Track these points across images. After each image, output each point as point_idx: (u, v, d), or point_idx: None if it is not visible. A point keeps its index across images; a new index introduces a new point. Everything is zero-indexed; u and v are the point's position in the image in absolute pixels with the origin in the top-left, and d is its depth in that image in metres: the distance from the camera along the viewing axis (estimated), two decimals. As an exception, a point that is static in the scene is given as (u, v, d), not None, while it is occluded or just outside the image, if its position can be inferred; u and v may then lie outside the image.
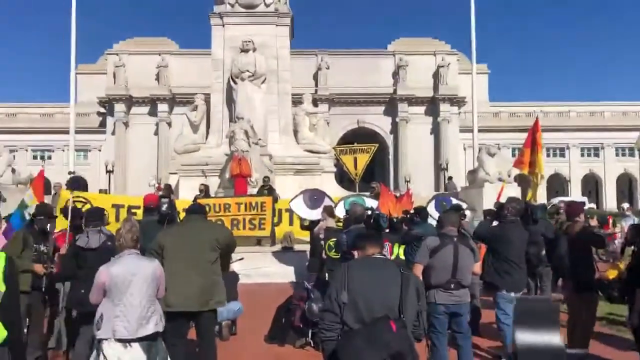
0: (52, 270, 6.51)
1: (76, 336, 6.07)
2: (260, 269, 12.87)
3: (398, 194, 14.27)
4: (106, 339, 4.43)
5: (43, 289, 6.56)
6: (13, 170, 19.79)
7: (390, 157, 53.85)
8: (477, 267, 6.18)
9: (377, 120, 54.59)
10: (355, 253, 3.95)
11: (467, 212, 11.12)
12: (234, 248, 6.04)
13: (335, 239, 8.15)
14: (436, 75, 53.97)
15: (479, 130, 32.71)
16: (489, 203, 14.57)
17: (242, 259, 9.88)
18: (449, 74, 53.35)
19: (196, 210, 6.03)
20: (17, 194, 17.64)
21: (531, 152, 9.77)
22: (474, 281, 7.10)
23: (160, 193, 15.52)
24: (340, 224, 10.30)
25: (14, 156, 24.59)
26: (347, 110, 53.69)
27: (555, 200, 21.93)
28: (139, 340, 4.45)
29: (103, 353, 4.42)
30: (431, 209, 11.61)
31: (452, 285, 5.71)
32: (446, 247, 5.72)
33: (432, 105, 54.25)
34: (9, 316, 3.75)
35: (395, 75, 54.02)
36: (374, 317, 3.49)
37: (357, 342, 3.40)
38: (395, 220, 9.78)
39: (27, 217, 7.27)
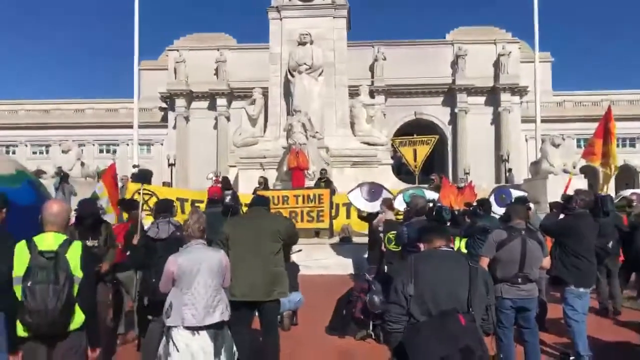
0: (98, 269, 6.27)
1: (146, 323, 6.29)
2: (320, 261, 12.93)
3: (463, 184, 14.00)
4: (175, 327, 4.56)
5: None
6: (82, 164, 20.73)
7: (449, 148, 52.81)
8: (546, 262, 5.97)
9: (435, 111, 53.63)
10: (421, 246, 3.91)
11: (531, 205, 10.78)
12: (296, 239, 6.09)
13: (394, 232, 8.08)
14: (496, 65, 52.41)
15: (542, 121, 31.71)
16: (553, 195, 14.08)
17: (300, 250, 9.95)
18: (510, 62, 51.66)
19: (260, 202, 6.12)
20: (85, 186, 18.48)
21: (603, 143, 9.32)
22: (540, 275, 6.88)
23: (219, 185, 15.87)
24: (400, 217, 10.21)
25: (82, 150, 25.67)
26: (404, 102, 52.99)
27: (627, 192, 20.82)
28: (206, 328, 4.56)
29: (172, 340, 4.55)
30: (491, 202, 11.33)
31: (520, 280, 5.55)
32: (514, 240, 5.55)
33: (492, 95, 52.78)
34: (85, 301, 3.93)
35: (454, 65, 52.86)
36: (441, 310, 3.45)
37: (424, 334, 3.36)
38: (456, 213, 9.63)
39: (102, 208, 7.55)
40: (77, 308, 3.87)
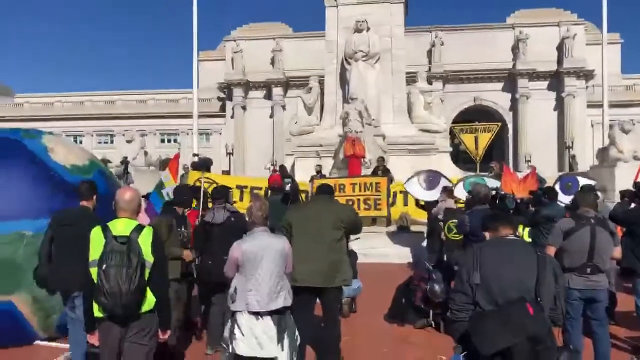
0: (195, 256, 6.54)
1: (206, 302, 6.53)
2: (377, 249, 12.89)
3: (530, 170, 13.62)
4: (240, 311, 4.67)
5: (194, 275, 6.54)
6: (145, 153, 21.49)
7: (509, 135, 51.32)
8: (617, 252, 5.71)
9: (494, 97, 52.16)
10: (487, 234, 3.84)
11: (598, 193, 10.38)
12: (360, 227, 6.07)
13: (455, 221, 7.97)
14: (560, 48, 50.29)
15: (610, 105, 30.19)
16: (622, 183, 13.51)
17: (358, 238, 9.92)
18: (575, 45, 49.43)
19: (325, 190, 6.18)
20: (147, 174, 19.14)
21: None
22: (610, 266, 6.62)
23: (279, 174, 16.08)
24: (460, 205, 10.05)
25: (145, 140, 26.51)
26: (463, 88, 51.82)
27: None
28: (270, 313, 4.65)
29: (237, 324, 4.67)
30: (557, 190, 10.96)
31: (589, 270, 5.34)
32: (582, 229, 5.34)
33: (555, 80, 50.78)
34: (157, 285, 4.10)
35: (515, 49, 51.10)
36: (508, 299, 3.39)
37: (490, 323, 3.31)
38: (519, 201, 9.40)
39: (165, 197, 7.82)
40: (149, 291, 4.04)
